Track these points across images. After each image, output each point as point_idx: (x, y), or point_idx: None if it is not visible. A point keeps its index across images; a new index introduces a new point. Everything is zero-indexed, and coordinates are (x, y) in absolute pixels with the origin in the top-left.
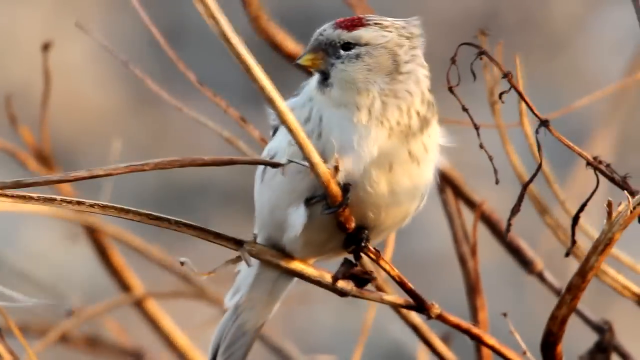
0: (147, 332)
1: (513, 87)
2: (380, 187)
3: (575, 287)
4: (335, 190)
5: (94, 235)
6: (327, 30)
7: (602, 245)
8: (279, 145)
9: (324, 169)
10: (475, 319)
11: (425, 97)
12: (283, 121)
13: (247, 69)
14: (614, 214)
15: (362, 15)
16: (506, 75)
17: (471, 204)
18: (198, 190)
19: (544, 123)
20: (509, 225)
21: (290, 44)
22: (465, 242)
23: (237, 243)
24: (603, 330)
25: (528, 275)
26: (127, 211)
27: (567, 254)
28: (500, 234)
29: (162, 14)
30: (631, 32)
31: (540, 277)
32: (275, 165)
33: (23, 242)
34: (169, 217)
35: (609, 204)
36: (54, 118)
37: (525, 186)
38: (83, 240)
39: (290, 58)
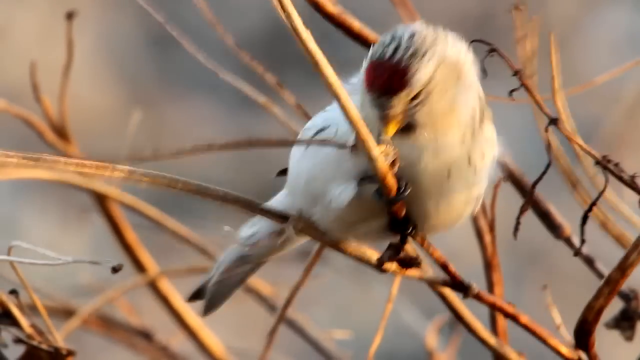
0: (158, 311)
1: (523, 84)
2: (433, 193)
3: (614, 282)
4: (392, 182)
5: (107, 212)
6: (388, 101)
7: None
8: (333, 118)
9: (382, 162)
10: (491, 295)
11: (480, 98)
12: (347, 116)
13: (315, 64)
14: None
15: (396, 57)
16: (516, 73)
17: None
18: None
19: (553, 121)
20: (518, 223)
21: (331, 6)
22: (483, 216)
23: (283, 218)
24: (629, 298)
25: (556, 239)
26: (176, 182)
27: (575, 254)
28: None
29: (160, 14)
30: (627, 33)
31: (568, 242)
32: (341, 146)
33: (33, 223)
34: (216, 188)
35: None
36: (67, 97)
37: (533, 185)
38: (96, 222)
39: (330, 18)
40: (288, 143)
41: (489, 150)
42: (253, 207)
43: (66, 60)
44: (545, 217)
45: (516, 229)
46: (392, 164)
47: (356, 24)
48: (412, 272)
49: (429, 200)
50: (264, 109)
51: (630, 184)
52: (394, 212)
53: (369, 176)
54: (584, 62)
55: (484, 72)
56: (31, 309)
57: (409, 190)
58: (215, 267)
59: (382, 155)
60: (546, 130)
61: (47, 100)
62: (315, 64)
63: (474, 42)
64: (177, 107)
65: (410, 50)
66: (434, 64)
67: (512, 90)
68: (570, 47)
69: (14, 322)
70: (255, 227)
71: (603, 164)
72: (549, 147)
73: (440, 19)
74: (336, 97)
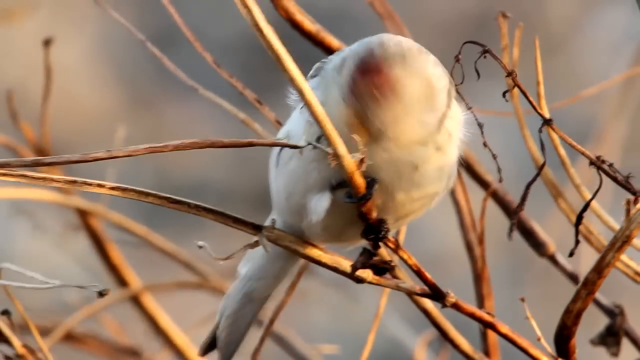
0: (144, 329)
1: (517, 85)
2: (402, 184)
3: (591, 283)
4: (360, 181)
5: (91, 230)
6: (375, 105)
7: (620, 242)
8: (294, 127)
9: (349, 160)
10: (481, 307)
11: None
12: (312, 113)
13: (278, 59)
14: (633, 211)
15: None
16: (510, 74)
17: (484, 184)
18: (193, 191)
19: (548, 122)
20: (512, 224)
21: (309, 24)
22: (473, 229)
23: (256, 228)
24: (614, 314)
25: (540, 257)
26: (147, 194)
27: (570, 254)
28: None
29: (159, 15)
30: (626, 34)
31: (553, 259)
32: (294, 147)
33: (17, 242)
34: (188, 200)
35: (628, 202)
36: (50, 119)
37: (528, 186)
38: (80, 238)
39: (308, 37)
40: (245, 144)
41: (454, 125)
42: (226, 218)
43: (44, 86)
44: (530, 235)
45: (511, 230)
46: (360, 162)
47: (335, 42)
48: (389, 282)
49: (399, 192)
50: (260, 111)
51: (624, 184)
52: (364, 213)
53: (340, 182)
54: (583, 62)
55: (476, 74)
56: (22, 329)
57: (377, 186)
58: (219, 313)
59: (349, 153)
60: (540, 131)
61: (28, 125)
62: (278, 59)
63: (467, 43)
64: (176, 107)
65: (398, 59)
66: (416, 77)
67: (506, 92)
68: (569, 47)
69: (6, 341)
70: (251, 260)
71: (597, 164)
72: (542, 148)
73: (439, 19)
74: (299, 92)
